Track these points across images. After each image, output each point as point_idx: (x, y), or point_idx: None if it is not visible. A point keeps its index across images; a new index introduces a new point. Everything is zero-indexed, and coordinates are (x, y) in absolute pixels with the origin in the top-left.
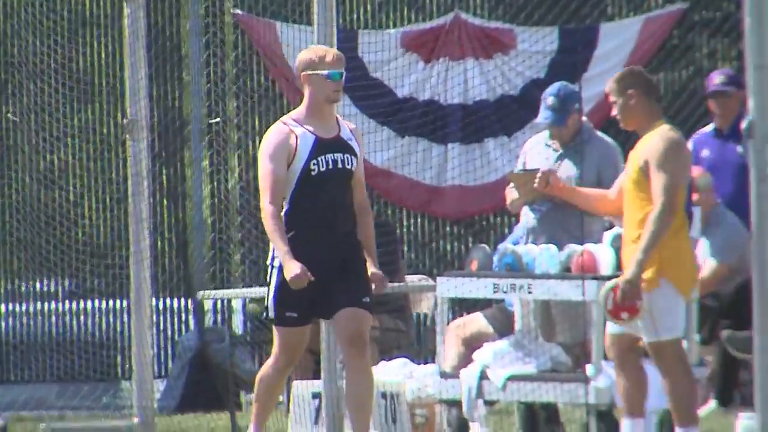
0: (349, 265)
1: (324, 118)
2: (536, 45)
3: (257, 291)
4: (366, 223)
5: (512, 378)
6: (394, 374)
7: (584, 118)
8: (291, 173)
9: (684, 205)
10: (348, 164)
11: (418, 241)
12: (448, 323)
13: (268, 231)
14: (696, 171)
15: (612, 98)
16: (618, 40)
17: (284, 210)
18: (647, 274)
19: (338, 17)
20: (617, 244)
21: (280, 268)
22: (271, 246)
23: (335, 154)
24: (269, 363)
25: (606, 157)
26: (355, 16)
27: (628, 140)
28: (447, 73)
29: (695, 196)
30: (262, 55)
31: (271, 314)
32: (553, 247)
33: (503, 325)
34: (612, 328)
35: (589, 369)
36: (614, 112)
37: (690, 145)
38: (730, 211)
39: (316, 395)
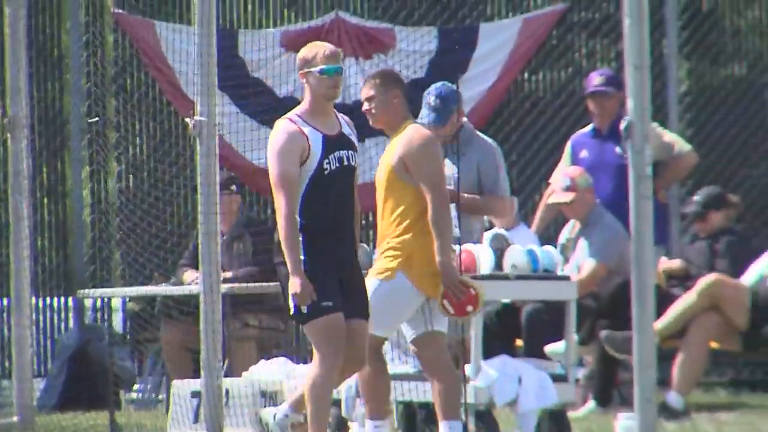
0: (356, 269)
1: (326, 115)
2: (416, 45)
3: (137, 290)
4: (355, 219)
5: (391, 377)
6: (273, 373)
7: (464, 119)
8: (303, 172)
9: None
10: (352, 161)
11: None
12: None
13: (285, 235)
14: (575, 171)
15: (370, 93)
16: (497, 41)
17: (299, 208)
18: (390, 263)
19: (218, 17)
20: (497, 244)
21: (305, 263)
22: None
23: (341, 152)
24: (315, 371)
25: (486, 157)
26: (235, 15)
27: (506, 139)
28: None
29: (565, 195)
30: (142, 55)
31: (304, 310)
32: None
33: None
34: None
35: (468, 368)
36: (367, 107)
37: (569, 145)
38: (609, 212)
39: (195, 394)
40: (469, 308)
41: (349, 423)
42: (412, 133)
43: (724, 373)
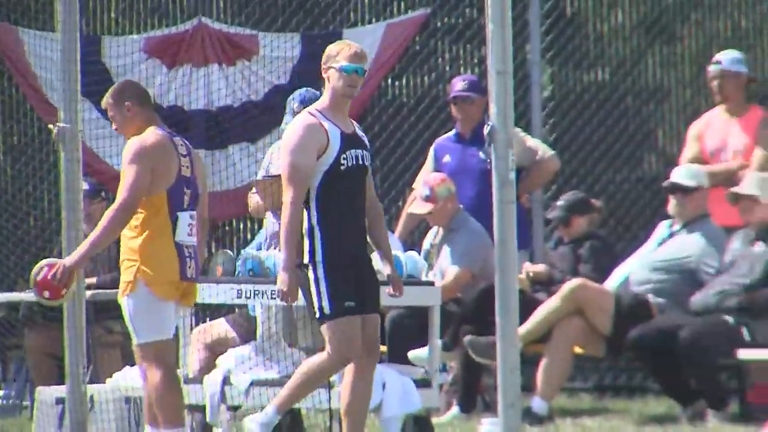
0: (368, 264)
1: (343, 113)
2: (279, 51)
3: (1, 296)
4: (381, 221)
5: (255, 383)
6: (138, 379)
7: None
8: (319, 166)
9: (168, 209)
10: (366, 161)
11: None
12: (191, 329)
13: (289, 230)
14: (435, 180)
15: (110, 113)
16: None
17: (313, 203)
18: (126, 276)
19: (82, 23)
20: None
21: (324, 264)
22: (305, 244)
23: (356, 150)
24: (322, 361)
25: None
26: (98, 22)
27: (370, 145)
28: (190, 78)
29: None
30: (5, 60)
31: (327, 310)
32: None
33: (246, 331)
34: None
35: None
36: (114, 126)
37: (432, 150)
38: (472, 217)
39: (59, 401)
40: (47, 294)
41: (214, 429)
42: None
43: (588, 378)
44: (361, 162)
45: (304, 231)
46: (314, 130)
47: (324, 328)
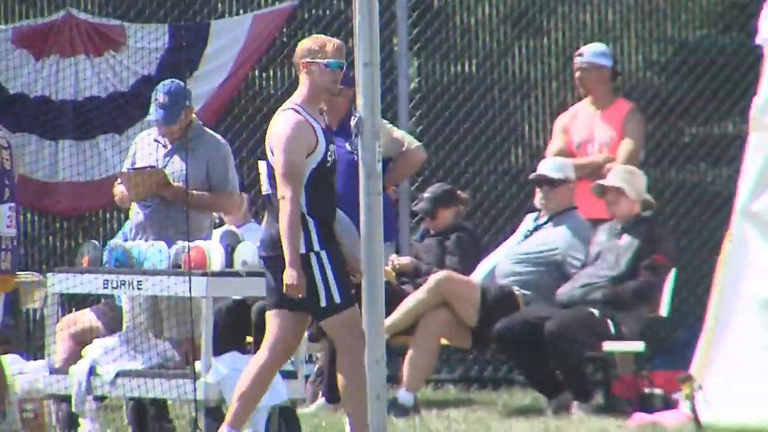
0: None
1: (318, 107)
2: (146, 42)
3: None
4: None
5: (121, 373)
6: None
7: (194, 115)
8: (309, 163)
9: None
10: (336, 156)
11: (28, 237)
12: (58, 319)
13: (291, 225)
14: None
15: None
16: (228, 38)
17: (302, 197)
18: None
19: None
20: (228, 240)
21: (327, 252)
22: (300, 234)
23: (332, 145)
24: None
25: (215, 153)
26: None
27: (238, 136)
28: (58, 69)
29: None
30: None
31: (338, 300)
32: (162, 244)
33: (113, 321)
34: None
35: (198, 365)
36: None
37: None
38: (339, 209)
39: None
40: None
41: (80, 419)
42: None
43: (454, 369)
44: (336, 157)
45: None
46: (304, 127)
47: (333, 320)
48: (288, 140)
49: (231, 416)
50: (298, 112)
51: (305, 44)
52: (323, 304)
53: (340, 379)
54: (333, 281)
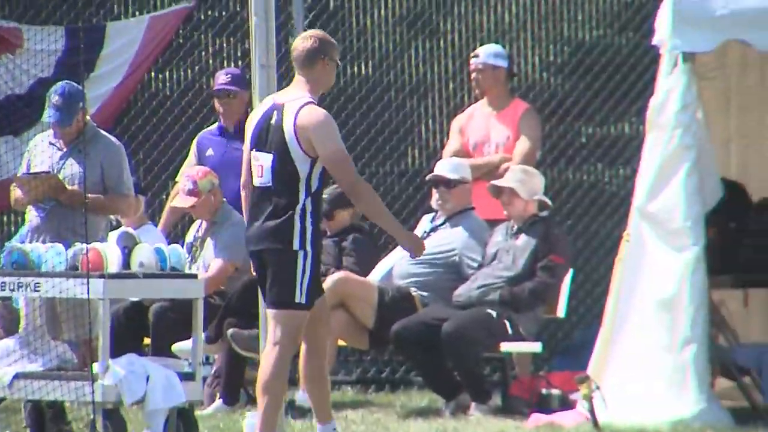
0: None
1: None
2: (43, 44)
3: None
4: None
5: (19, 376)
6: None
7: (88, 117)
8: (320, 163)
9: None
10: None
11: None
12: None
13: (379, 201)
14: (198, 174)
15: None
16: (124, 39)
17: (311, 192)
18: None
19: None
20: (125, 242)
21: (312, 254)
22: (296, 228)
23: None
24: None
25: (110, 156)
26: None
27: (134, 138)
28: None
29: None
30: None
31: (303, 299)
32: (60, 246)
33: (10, 323)
34: None
35: (96, 367)
36: None
37: (194, 144)
38: (236, 211)
39: None
40: None
41: None
42: None
43: (352, 371)
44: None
45: (297, 213)
46: None
47: (284, 313)
48: (335, 129)
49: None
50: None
51: (329, 38)
52: (288, 298)
53: (269, 368)
54: (308, 282)
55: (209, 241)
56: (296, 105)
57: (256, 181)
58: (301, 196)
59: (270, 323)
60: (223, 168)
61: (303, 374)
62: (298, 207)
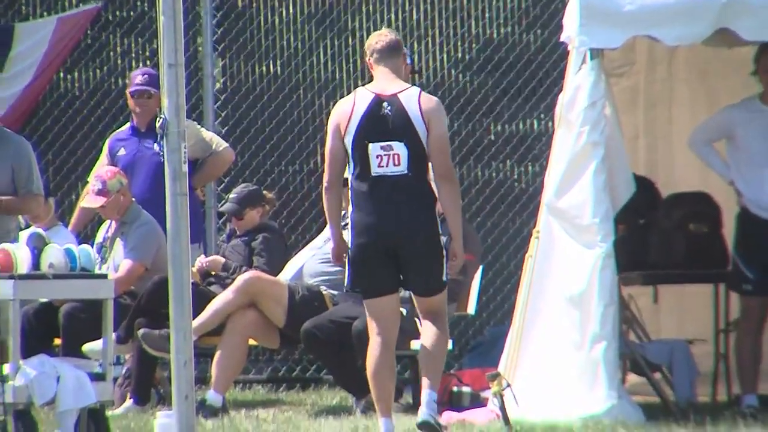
0: None
1: None
2: None
3: None
4: None
5: None
6: None
7: None
8: None
9: None
10: None
11: None
12: None
13: (459, 199)
14: (107, 174)
15: None
16: (33, 40)
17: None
18: None
19: None
20: (35, 243)
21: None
22: (438, 217)
23: None
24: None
25: (19, 156)
26: None
27: (43, 138)
28: None
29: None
30: None
31: (445, 280)
32: None
33: None
34: None
35: (7, 368)
36: None
37: (106, 144)
38: (146, 210)
39: None
40: None
41: None
42: None
43: (262, 370)
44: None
45: (434, 201)
46: None
47: (439, 298)
48: (446, 116)
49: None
50: None
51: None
52: (444, 281)
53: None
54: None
55: (119, 241)
56: (412, 93)
57: (383, 171)
58: (429, 181)
59: (420, 305)
60: (135, 168)
61: (380, 367)
62: (434, 194)
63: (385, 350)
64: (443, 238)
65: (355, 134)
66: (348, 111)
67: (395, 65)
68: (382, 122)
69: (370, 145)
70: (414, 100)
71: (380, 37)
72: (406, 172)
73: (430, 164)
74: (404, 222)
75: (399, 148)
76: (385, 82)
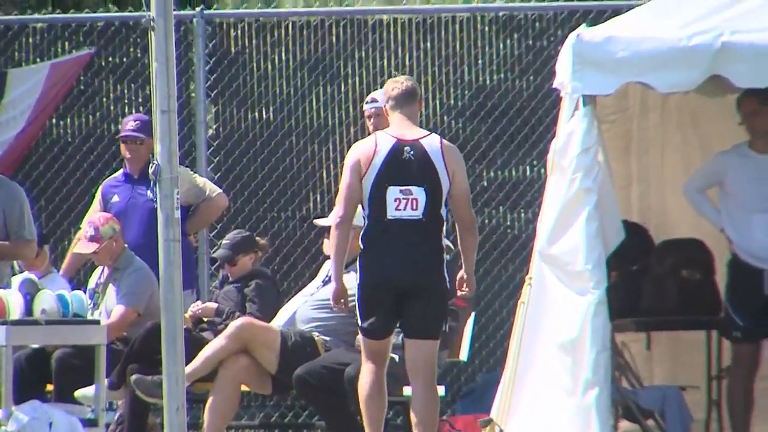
0: None
1: None
2: None
3: None
4: None
5: None
6: None
7: None
8: None
9: None
10: None
11: None
12: None
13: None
14: (100, 220)
15: None
16: (26, 87)
17: None
18: None
19: None
20: (29, 289)
21: None
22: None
23: None
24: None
25: (11, 201)
26: None
27: (35, 185)
28: None
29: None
30: None
31: (445, 329)
32: None
33: None
34: None
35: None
36: None
37: (99, 191)
38: (138, 257)
39: None
40: None
41: None
42: None
43: (255, 416)
44: None
45: (444, 250)
46: None
47: (434, 343)
48: None
49: None
50: None
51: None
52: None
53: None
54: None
55: (111, 287)
56: (434, 140)
57: (399, 215)
58: (443, 229)
59: (413, 354)
60: (128, 214)
61: (373, 391)
62: (443, 242)
63: (376, 377)
64: (459, 274)
65: (376, 176)
66: (370, 151)
67: (411, 111)
68: (404, 166)
69: (390, 188)
70: (436, 147)
71: (396, 84)
72: (421, 217)
73: (443, 211)
74: (415, 266)
75: (418, 193)
76: (404, 127)
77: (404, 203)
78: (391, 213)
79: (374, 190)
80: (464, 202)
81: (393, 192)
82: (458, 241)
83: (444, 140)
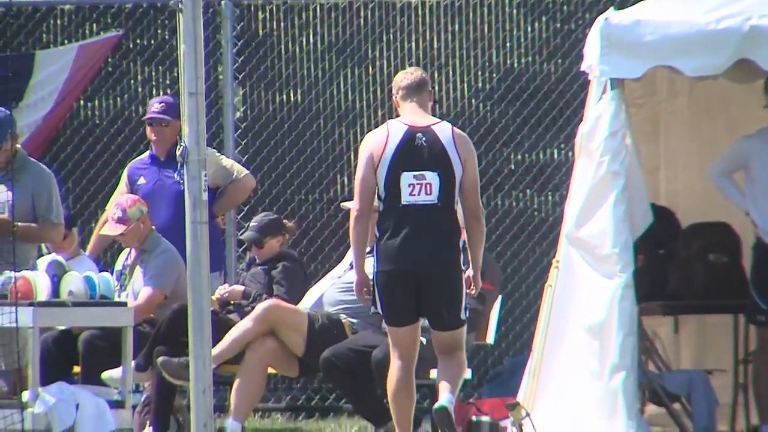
0: None
1: None
2: None
3: None
4: None
5: None
6: None
7: (18, 145)
8: None
9: None
10: None
11: None
12: None
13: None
14: (128, 201)
15: None
16: (53, 68)
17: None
18: None
19: None
20: (56, 271)
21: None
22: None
23: None
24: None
25: (40, 184)
26: None
27: (63, 166)
28: None
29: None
30: None
31: (464, 317)
32: None
33: None
34: None
35: (26, 395)
36: None
37: (125, 173)
38: (165, 239)
39: None
40: None
41: None
42: None
43: (282, 398)
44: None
45: (460, 233)
46: None
47: (457, 333)
48: None
49: None
50: None
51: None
52: (462, 317)
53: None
54: (466, 302)
55: (138, 269)
56: (445, 127)
57: (414, 200)
58: (456, 212)
59: (439, 341)
60: (155, 196)
61: (401, 388)
62: (459, 226)
63: (405, 373)
64: (467, 272)
65: (390, 163)
66: (382, 141)
67: (422, 101)
68: (416, 152)
69: (403, 174)
70: (448, 133)
71: (406, 75)
72: (436, 201)
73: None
74: (429, 251)
75: (432, 178)
76: (415, 115)
77: (418, 188)
78: (406, 198)
79: (388, 177)
80: (473, 192)
81: (407, 178)
82: (465, 234)
83: (455, 128)
